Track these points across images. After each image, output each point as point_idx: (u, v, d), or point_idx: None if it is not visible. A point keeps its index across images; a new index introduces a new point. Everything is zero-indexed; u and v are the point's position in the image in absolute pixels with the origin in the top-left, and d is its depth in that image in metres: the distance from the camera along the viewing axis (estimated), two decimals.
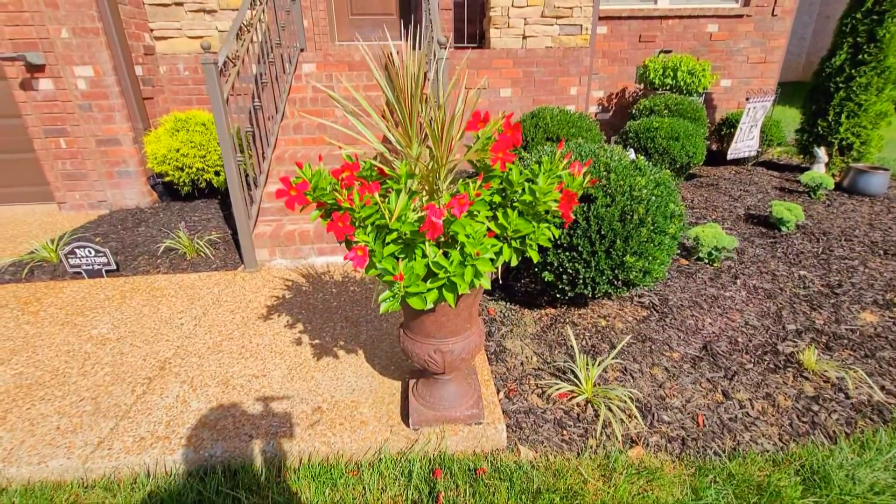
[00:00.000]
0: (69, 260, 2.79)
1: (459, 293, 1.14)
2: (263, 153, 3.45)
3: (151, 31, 4.29)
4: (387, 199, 1.11)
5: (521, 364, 2.06)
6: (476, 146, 1.23)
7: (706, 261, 2.97)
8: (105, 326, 2.32)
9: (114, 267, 2.84)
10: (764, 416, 1.83)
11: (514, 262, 1.25)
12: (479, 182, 1.10)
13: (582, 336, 2.25)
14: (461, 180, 1.44)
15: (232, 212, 2.97)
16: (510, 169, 1.27)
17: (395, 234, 1.10)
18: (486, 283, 1.18)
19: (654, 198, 1.96)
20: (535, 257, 1.21)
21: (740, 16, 5.50)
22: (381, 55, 4.37)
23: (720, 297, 2.62)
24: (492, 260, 1.18)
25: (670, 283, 2.75)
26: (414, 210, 1.11)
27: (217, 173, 3.86)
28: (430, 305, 1.16)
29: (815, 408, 1.86)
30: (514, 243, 1.23)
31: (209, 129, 3.82)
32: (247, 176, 3.07)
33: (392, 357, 2.04)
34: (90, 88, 3.80)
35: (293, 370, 1.97)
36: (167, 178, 3.84)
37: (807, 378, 2.02)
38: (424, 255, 1.15)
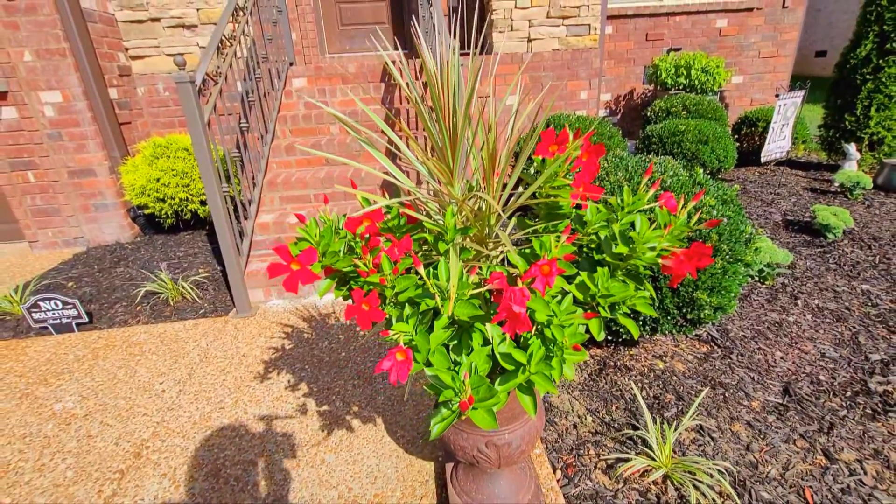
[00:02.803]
0: (33, 314, 2.42)
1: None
2: (254, 179, 3.10)
3: (126, 50, 3.95)
4: (432, 268, 0.77)
5: (575, 427, 1.71)
6: (544, 176, 0.89)
7: (757, 278, 2.65)
8: (71, 398, 1.95)
9: (85, 319, 2.47)
10: (881, 484, 1.48)
11: (600, 337, 0.90)
12: (563, 236, 0.77)
13: (639, 383, 1.90)
14: (512, 220, 1.10)
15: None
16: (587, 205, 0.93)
17: (445, 319, 0.76)
18: (571, 374, 0.83)
19: (726, 219, 1.63)
20: (635, 331, 0.87)
21: (750, 9, 5.25)
22: (377, 66, 4.06)
23: (784, 324, 2.28)
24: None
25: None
26: (471, 281, 0.77)
27: (203, 203, 3.51)
28: (498, 409, 0.81)
29: None
30: (602, 311, 0.88)
31: (192, 154, 3.47)
32: (235, 207, 2.72)
33: (418, 426, 1.69)
34: (59, 115, 3.44)
35: (299, 451, 1.61)
36: (148, 211, 3.48)
37: None
38: (485, 340, 0.80)
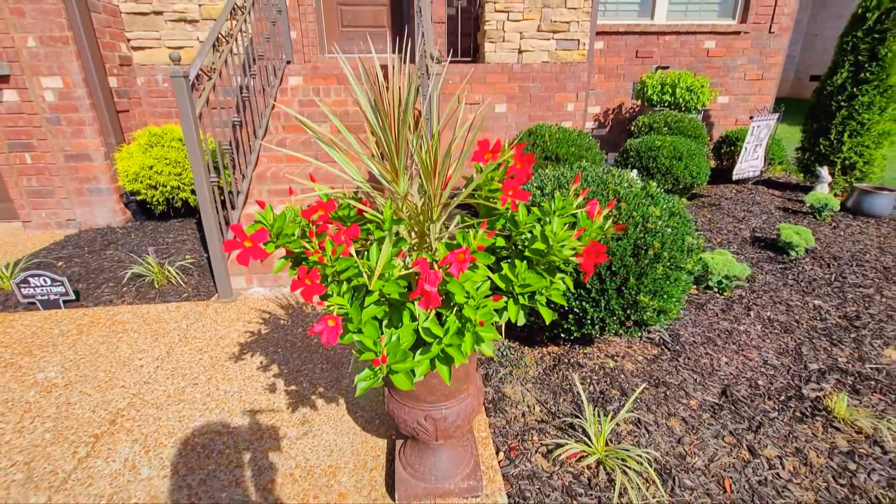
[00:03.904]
0: (22, 289, 2.52)
1: (456, 365, 0.92)
2: (243, 171, 3.22)
3: (128, 40, 4.07)
4: (366, 251, 0.90)
5: (523, 415, 1.84)
6: (478, 181, 1.02)
7: (716, 290, 2.79)
8: (54, 369, 2.06)
9: (72, 297, 2.57)
10: (796, 478, 1.62)
11: (520, 321, 1.03)
12: (481, 231, 0.90)
13: (589, 380, 2.03)
14: (457, 217, 1.23)
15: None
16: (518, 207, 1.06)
17: (375, 295, 0.88)
18: (488, 350, 0.96)
19: (669, 230, 1.77)
20: (549, 317, 1.00)
21: (738, 32, 5.43)
22: (371, 70, 4.19)
23: (734, 332, 2.42)
24: (493, 323, 0.96)
25: (680, 315, 2.55)
26: (401, 265, 0.90)
27: (194, 192, 3.62)
28: (419, 378, 0.94)
29: (852, 466, 1.66)
30: (521, 299, 1.01)
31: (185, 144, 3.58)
32: (223, 197, 2.84)
33: (376, 409, 1.81)
34: (59, 100, 3.56)
35: (263, 424, 1.73)
36: (140, 197, 3.59)
37: (838, 429, 1.82)
38: (413, 318, 0.93)
